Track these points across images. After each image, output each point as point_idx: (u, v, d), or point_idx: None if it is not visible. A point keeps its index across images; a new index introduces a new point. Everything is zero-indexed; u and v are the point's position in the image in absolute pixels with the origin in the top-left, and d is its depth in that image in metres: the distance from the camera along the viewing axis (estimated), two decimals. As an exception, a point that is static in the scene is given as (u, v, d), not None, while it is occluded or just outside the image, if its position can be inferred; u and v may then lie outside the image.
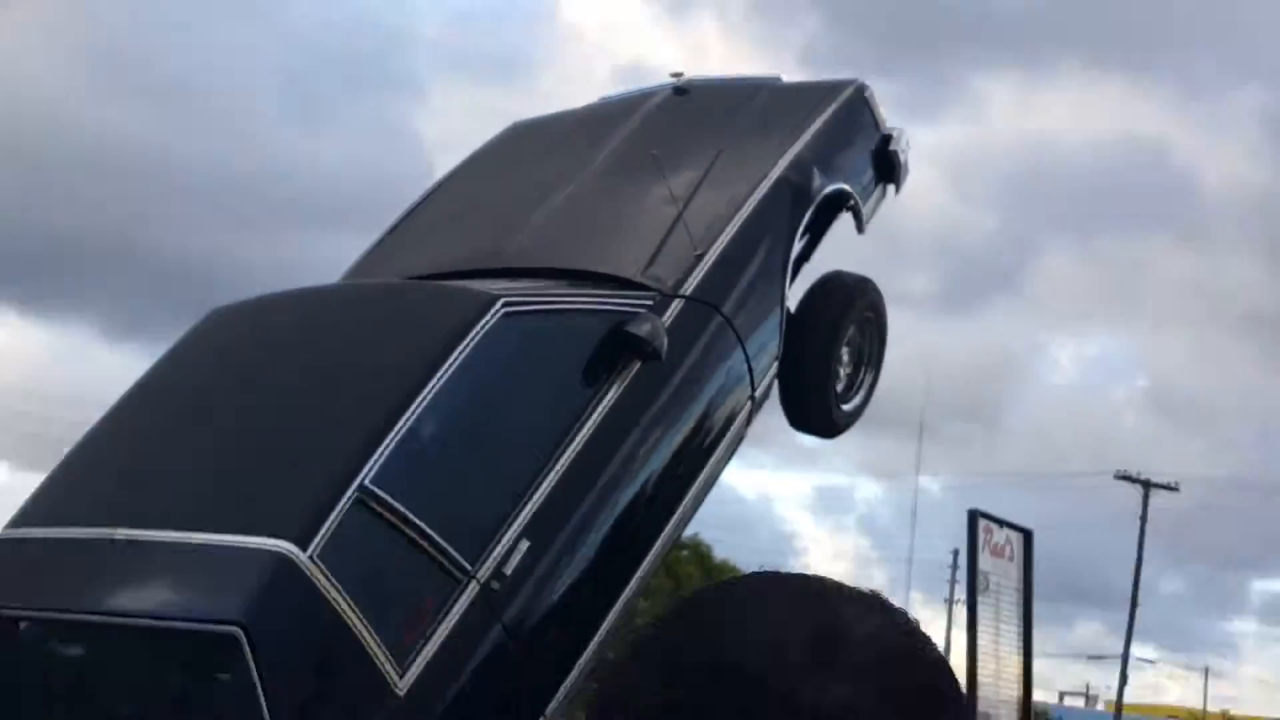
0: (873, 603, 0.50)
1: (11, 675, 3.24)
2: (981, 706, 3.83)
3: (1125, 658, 20.38)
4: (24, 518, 3.28)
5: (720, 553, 23.89)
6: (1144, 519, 21.10)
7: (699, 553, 22.78)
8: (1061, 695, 31.31)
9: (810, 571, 0.55)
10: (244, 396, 3.55)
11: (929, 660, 0.47)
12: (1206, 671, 37.48)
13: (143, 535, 3.13)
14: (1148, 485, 21.32)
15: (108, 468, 3.50)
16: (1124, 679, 19.97)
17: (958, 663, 3.85)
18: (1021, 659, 4.10)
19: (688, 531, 5.50)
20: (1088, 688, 32.46)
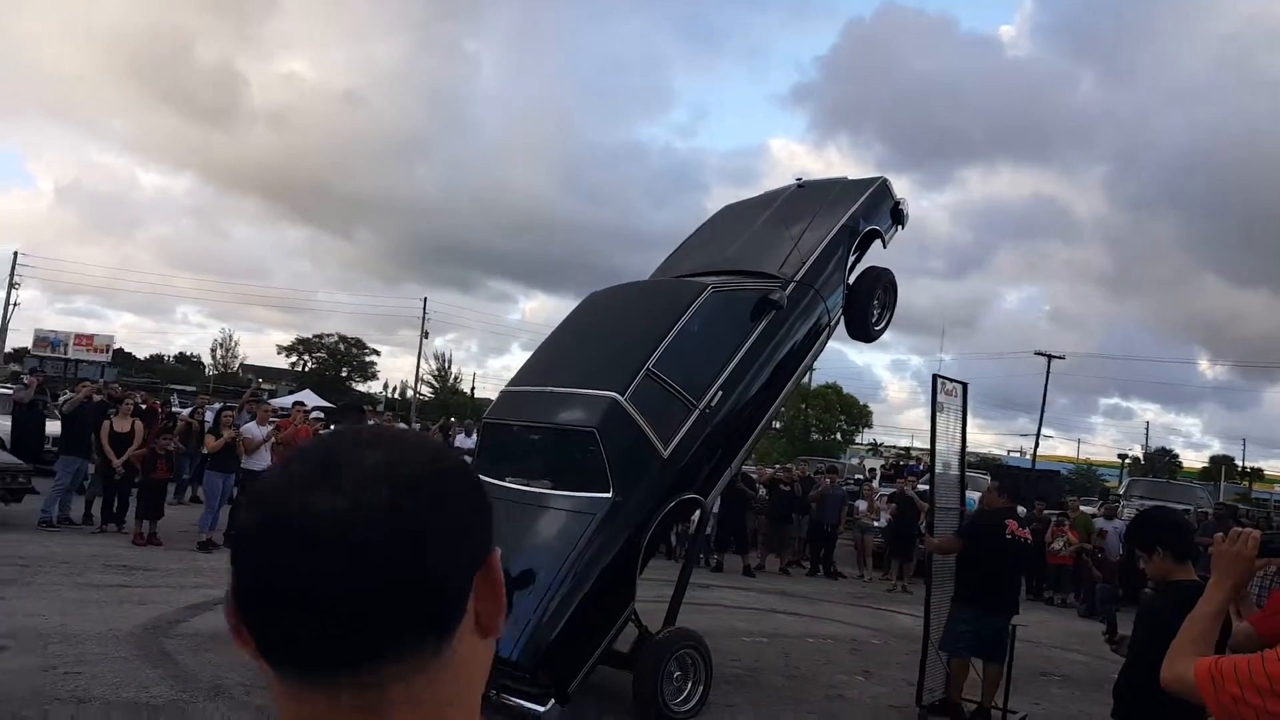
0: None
1: (508, 447, 7.10)
2: (939, 468, 6.95)
3: (1038, 434, 43.44)
4: (512, 383, 7.32)
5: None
6: (1048, 372, 44.17)
7: (836, 390, 51.94)
8: (1008, 452, 54.36)
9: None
10: (603, 330, 7.19)
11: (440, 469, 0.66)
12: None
13: (561, 390, 6.66)
14: (1049, 356, 44.51)
15: (547, 360, 7.27)
16: (1037, 444, 43.82)
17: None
18: (960, 436, 7.17)
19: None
20: (1022, 450, 51.59)
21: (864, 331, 8.07)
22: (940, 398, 7.23)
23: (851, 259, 7.91)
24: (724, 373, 6.77)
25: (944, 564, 7.24)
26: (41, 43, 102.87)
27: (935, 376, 7.21)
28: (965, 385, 7.56)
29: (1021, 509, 17.40)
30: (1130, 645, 3.79)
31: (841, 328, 7.98)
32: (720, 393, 6.74)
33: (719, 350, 6.87)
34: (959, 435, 7.50)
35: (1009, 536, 6.87)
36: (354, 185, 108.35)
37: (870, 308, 8.04)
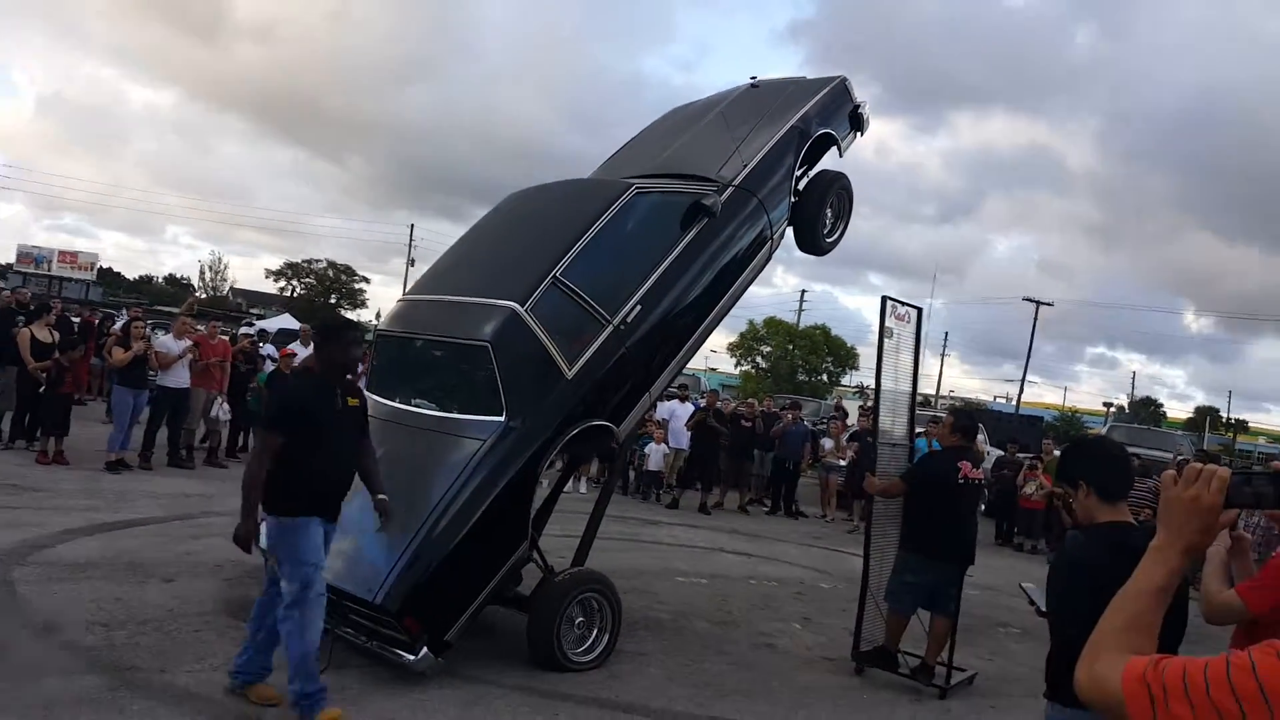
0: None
1: (401, 359, 6.33)
2: (884, 401, 6.26)
3: (1023, 380, 45.90)
4: (410, 292, 6.52)
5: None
6: (1035, 318, 45.25)
7: (824, 331, 49.93)
8: (993, 398, 55.48)
9: None
10: (513, 232, 6.41)
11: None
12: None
13: (458, 299, 5.92)
14: (1037, 302, 45.64)
15: (448, 267, 6.47)
16: (1021, 389, 46.28)
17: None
18: (912, 367, 6.57)
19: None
20: (1007, 396, 52.07)
21: (813, 243, 7.18)
22: (890, 322, 6.43)
23: (802, 165, 7.01)
24: (644, 285, 5.94)
25: (887, 506, 6.53)
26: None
27: (884, 298, 6.40)
28: (920, 310, 6.76)
29: (997, 450, 16.99)
30: (1047, 610, 3.08)
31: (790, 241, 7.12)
32: (639, 307, 5.92)
33: (640, 260, 6.03)
34: (910, 366, 6.74)
35: (961, 480, 6.16)
36: (345, 107, 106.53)
37: (821, 217, 7.13)
